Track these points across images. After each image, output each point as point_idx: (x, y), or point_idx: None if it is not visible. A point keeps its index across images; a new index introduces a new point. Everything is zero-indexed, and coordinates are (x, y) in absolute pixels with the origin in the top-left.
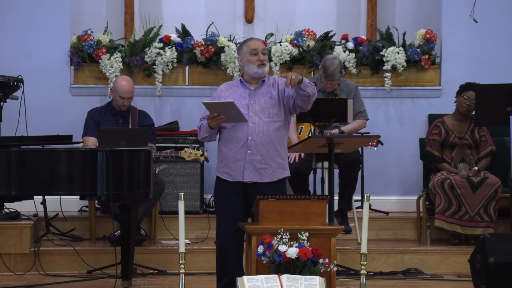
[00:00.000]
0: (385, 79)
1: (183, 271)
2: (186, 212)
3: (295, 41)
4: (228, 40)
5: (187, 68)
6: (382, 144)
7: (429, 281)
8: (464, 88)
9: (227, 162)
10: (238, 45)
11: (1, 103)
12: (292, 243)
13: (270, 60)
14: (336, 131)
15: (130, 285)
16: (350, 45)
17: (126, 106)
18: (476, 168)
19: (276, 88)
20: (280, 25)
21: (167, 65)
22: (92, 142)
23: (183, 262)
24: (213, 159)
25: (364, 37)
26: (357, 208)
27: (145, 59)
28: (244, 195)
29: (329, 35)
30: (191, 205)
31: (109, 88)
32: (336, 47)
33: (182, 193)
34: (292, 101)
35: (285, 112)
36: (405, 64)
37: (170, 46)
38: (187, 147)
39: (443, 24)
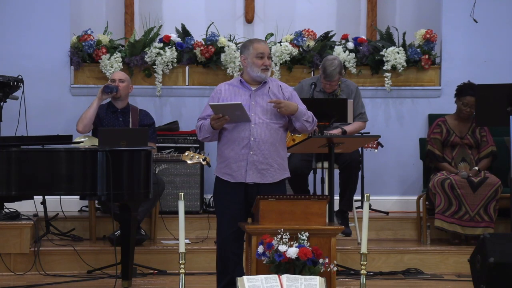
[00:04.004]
0: (385, 79)
1: (183, 271)
2: (186, 212)
3: (295, 41)
4: (228, 40)
5: (187, 68)
6: (382, 146)
7: (429, 281)
8: (463, 92)
9: (229, 163)
10: (242, 44)
11: (1, 103)
12: (292, 243)
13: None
14: (338, 130)
15: (130, 285)
16: (350, 45)
17: (120, 93)
18: (477, 168)
19: (281, 95)
20: (280, 25)
21: (167, 65)
22: (84, 114)
23: (183, 262)
24: (212, 158)
25: (364, 37)
26: (357, 208)
27: (145, 59)
28: (245, 196)
29: (329, 35)
30: (191, 205)
31: None
32: (336, 47)
33: (182, 193)
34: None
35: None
36: (405, 64)
37: (170, 46)
38: (189, 149)
39: (443, 24)
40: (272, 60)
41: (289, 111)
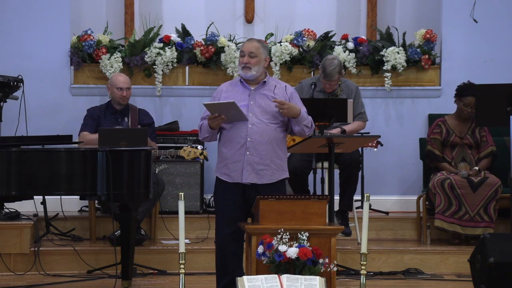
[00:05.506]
0: (385, 79)
1: (183, 271)
2: (186, 212)
3: (295, 41)
4: (228, 40)
5: (187, 68)
6: (381, 145)
7: (429, 281)
8: (463, 93)
9: (227, 163)
10: None
11: (1, 103)
12: (292, 243)
13: (270, 60)
14: (338, 130)
15: (130, 285)
16: (350, 45)
17: (126, 99)
18: (477, 168)
19: (282, 95)
20: (280, 25)
21: (167, 65)
22: (89, 137)
23: (183, 262)
24: (213, 158)
25: (364, 37)
26: (357, 208)
27: (145, 59)
28: (243, 196)
29: (329, 35)
30: (191, 205)
31: (107, 87)
32: (336, 47)
33: (182, 193)
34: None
35: None
36: (405, 64)
37: (170, 46)
38: (186, 144)
39: (443, 24)
40: (272, 60)
41: (292, 114)
